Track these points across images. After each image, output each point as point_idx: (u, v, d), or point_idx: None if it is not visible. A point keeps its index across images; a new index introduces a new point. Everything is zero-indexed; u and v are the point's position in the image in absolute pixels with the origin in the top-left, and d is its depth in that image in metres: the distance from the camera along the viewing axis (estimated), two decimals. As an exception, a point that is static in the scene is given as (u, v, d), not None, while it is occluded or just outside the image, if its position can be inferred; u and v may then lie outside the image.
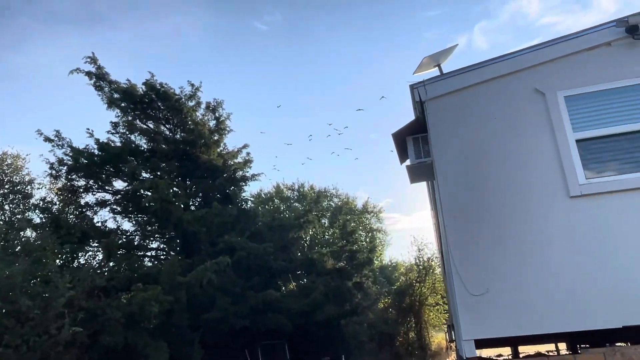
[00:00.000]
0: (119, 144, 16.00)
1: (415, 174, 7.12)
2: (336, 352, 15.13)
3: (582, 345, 10.21)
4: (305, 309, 13.79)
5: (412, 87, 6.30)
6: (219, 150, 17.39)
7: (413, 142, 6.73)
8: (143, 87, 16.66)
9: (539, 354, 6.86)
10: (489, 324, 5.27)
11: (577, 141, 5.59)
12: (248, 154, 17.50)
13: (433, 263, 25.06)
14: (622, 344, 6.74)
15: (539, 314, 5.15)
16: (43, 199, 15.42)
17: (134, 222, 16.43)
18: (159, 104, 16.76)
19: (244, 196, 16.37)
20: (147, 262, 14.93)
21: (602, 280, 5.09)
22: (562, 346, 14.24)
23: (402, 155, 7.28)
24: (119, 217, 16.19)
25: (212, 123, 17.65)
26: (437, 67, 6.81)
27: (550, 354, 11.74)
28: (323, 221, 29.08)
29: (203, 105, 17.67)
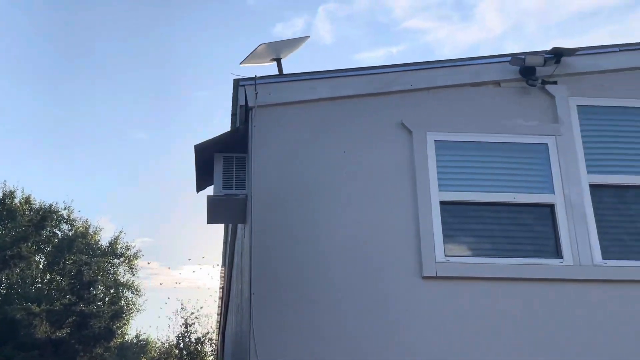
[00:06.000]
0: None
1: (217, 211, 7.20)
2: None
3: None
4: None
5: (238, 83, 6.38)
6: None
7: (224, 162, 6.79)
8: None
9: None
10: None
11: (442, 203, 6.22)
12: None
13: (206, 348, 25.18)
14: None
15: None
16: None
17: None
18: None
19: None
20: None
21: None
22: None
23: (204, 179, 7.29)
24: None
25: None
26: (275, 62, 7.03)
27: None
28: (38, 257, 27.26)
29: None
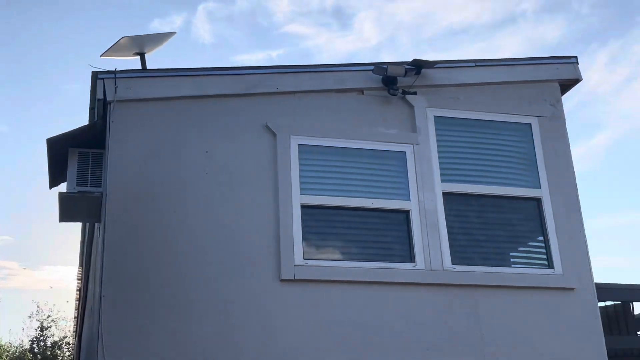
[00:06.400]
0: None
1: (70, 209, 6.93)
2: None
3: None
4: None
5: (97, 75, 6.16)
6: None
7: (79, 158, 6.52)
8: None
9: None
10: None
11: (303, 207, 6.26)
12: None
13: (64, 352, 24.17)
14: None
15: None
16: None
17: None
18: None
19: None
20: None
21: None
22: None
23: (58, 174, 6.99)
24: None
25: None
26: (138, 56, 6.84)
27: None
28: None
29: None
